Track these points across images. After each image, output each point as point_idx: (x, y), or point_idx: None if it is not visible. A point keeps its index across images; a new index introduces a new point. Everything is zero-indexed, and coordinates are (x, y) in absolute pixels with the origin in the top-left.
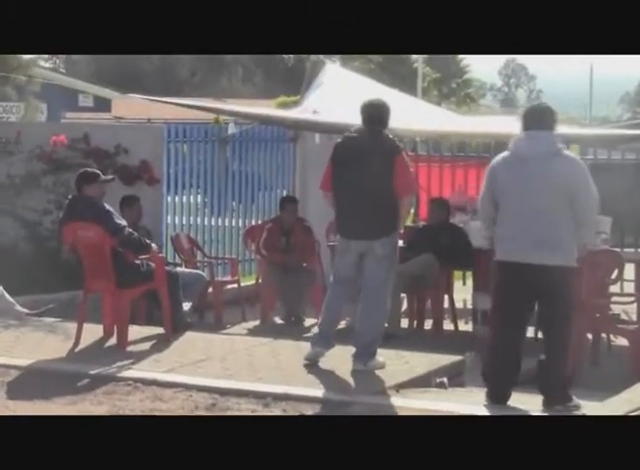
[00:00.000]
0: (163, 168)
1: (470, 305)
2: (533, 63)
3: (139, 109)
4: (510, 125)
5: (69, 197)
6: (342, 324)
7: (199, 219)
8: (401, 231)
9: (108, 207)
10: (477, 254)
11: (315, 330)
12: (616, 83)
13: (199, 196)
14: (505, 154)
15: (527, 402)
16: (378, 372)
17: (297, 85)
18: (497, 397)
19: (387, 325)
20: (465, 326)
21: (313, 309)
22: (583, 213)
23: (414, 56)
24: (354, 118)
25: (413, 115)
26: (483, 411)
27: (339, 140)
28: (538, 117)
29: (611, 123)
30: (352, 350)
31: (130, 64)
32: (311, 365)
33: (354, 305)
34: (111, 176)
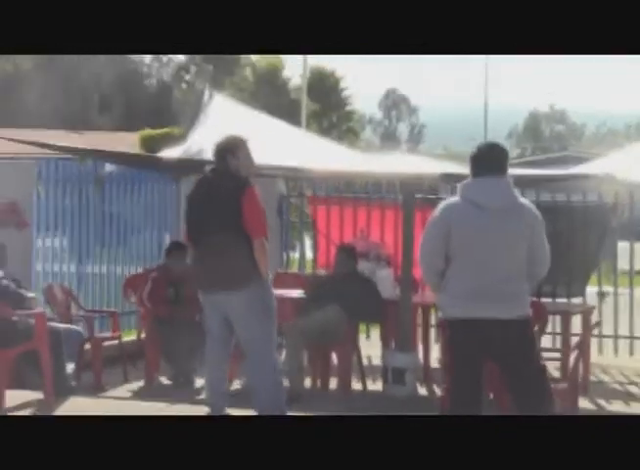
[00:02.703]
0: (34, 211)
1: (376, 362)
2: (415, 94)
3: None
4: (417, 165)
5: None
6: (238, 385)
7: (72, 267)
8: (270, 279)
9: None
10: (386, 305)
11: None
12: (503, 117)
13: (56, 240)
14: (455, 201)
15: None
16: None
17: (160, 116)
18: None
19: (288, 386)
20: (373, 385)
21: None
22: (540, 267)
23: (292, 84)
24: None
25: (312, 152)
26: None
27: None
28: (492, 162)
29: None
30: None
31: None
32: None
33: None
34: None
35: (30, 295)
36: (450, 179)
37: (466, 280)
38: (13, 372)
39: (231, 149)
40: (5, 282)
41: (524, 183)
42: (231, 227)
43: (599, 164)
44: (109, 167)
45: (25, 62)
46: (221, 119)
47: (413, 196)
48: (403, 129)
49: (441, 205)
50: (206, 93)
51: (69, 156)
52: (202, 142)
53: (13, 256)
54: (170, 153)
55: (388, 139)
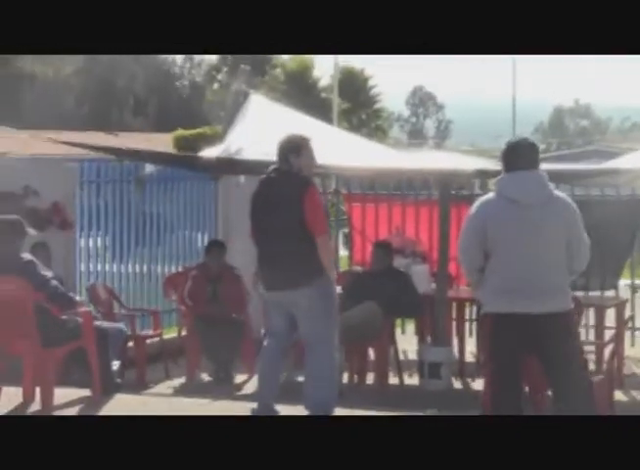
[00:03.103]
0: (77, 211)
1: (411, 357)
2: (441, 91)
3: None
4: (449, 161)
5: None
6: (282, 377)
7: (114, 267)
8: (335, 276)
9: (29, 256)
10: (422, 300)
11: (253, 395)
12: (529, 113)
13: (99, 240)
14: (491, 197)
15: None
16: None
17: (192, 117)
18: None
19: None
20: (410, 379)
21: (243, 364)
22: (579, 257)
23: (322, 84)
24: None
25: (348, 150)
26: None
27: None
28: (524, 155)
29: None
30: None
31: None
32: None
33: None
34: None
35: (78, 298)
36: (484, 175)
37: (505, 275)
38: (61, 370)
39: (294, 149)
40: (54, 283)
41: (558, 178)
42: (294, 226)
43: (631, 159)
44: (149, 168)
45: (67, 67)
46: (259, 119)
47: (449, 192)
48: (430, 126)
49: (477, 202)
50: (243, 93)
51: (110, 157)
52: (240, 141)
53: (56, 255)
54: (209, 152)
55: (416, 136)
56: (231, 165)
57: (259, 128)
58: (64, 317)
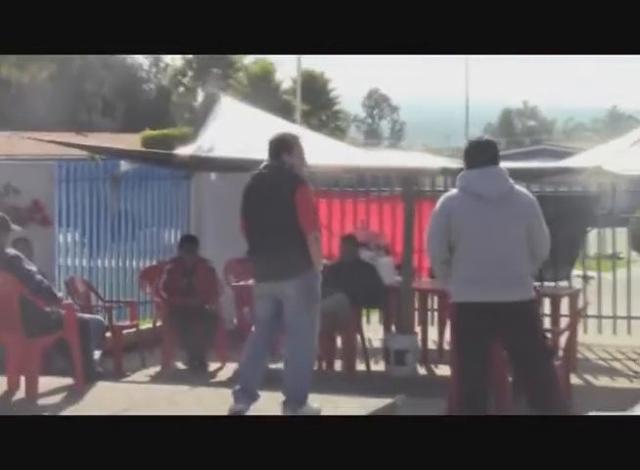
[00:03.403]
0: (55, 208)
1: (376, 344)
2: (396, 93)
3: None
4: (413, 160)
5: None
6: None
7: (91, 261)
8: (320, 269)
9: (14, 251)
10: (387, 291)
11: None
12: (479, 114)
13: (76, 235)
14: (454, 192)
15: None
16: None
17: (159, 118)
18: None
19: None
20: (376, 366)
21: (216, 353)
22: (540, 249)
23: (284, 87)
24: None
25: (318, 149)
26: None
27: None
28: (485, 152)
29: None
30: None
31: None
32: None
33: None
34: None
35: (60, 294)
36: (448, 173)
37: (470, 266)
38: (44, 360)
39: (287, 147)
40: (39, 277)
41: (516, 176)
42: (286, 222)
43: (584, 158)
44: (124, 167)
45: (42, 72)
46: (229, 119)
47: (412, 189)
48: (385, 127)
49: (442, 197)
50: (213, 95)
51: (85, 157)
52: (212, 140)
53: (36, 250)
54: (183, 151)
55: (372, 136)
56: (204, 163)
57: (230, 128)
58: (47, 309)
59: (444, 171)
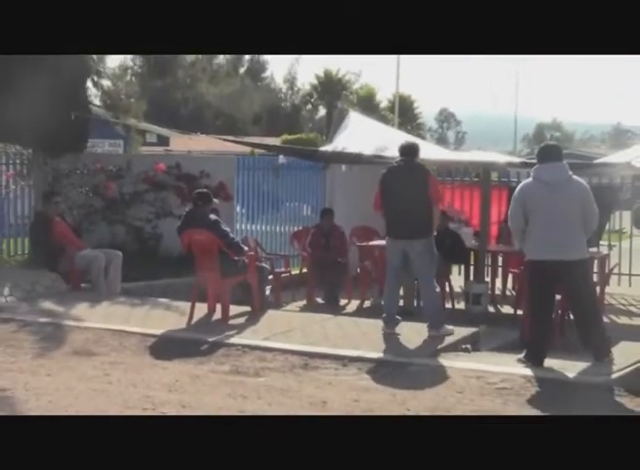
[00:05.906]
0: (234, 188)
1: (457, 290)
2: (461, 110)
3: (183, 144)
4: (487, 157)
5: (186, 210)
6: (368, 303)
7: (257, 226)
8: (435, 234)
9: (215, 217)
10: (469, 252)
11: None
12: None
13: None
14: (529, 181)
15: (555, 365)
16: (422, 340)
17: (292, 127)
18: (539, 358)
19: (403, 303)
20: (458, 305)
21: (345, 293)
22: (590, 221)
23: (382, 105)
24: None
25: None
26: (517, 369)
27: (383, 171)
28: (552, 152)
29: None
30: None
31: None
32: (387, 335)
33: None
34: (217, 201)
35: (245, 248)
36: (513, 166)
37: (540, 234)
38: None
39: (415, 150)
40: (232, 235)
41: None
42: (419, 196)
43: (613, 158)
44: (281, 160)
45: (228, 87)
46: (356, 127)
47: (489, 178)
48: (451, 136)
49: (520, 184)
50: (342, 110)
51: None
52: (344, 142)
53: (221, 218)
54: (324, 149)
55: (441, 143)
56: (338, 157)
57: (356, 134)
58: (236, 258)
59: (510, 165)
